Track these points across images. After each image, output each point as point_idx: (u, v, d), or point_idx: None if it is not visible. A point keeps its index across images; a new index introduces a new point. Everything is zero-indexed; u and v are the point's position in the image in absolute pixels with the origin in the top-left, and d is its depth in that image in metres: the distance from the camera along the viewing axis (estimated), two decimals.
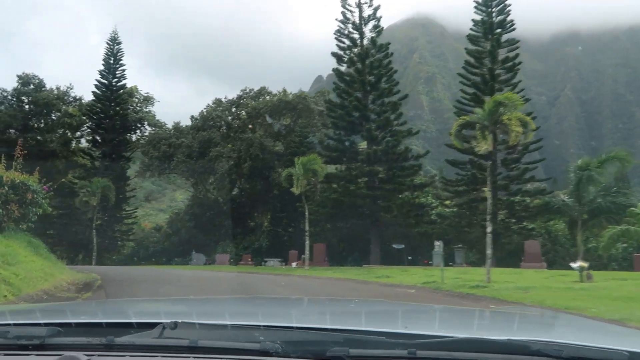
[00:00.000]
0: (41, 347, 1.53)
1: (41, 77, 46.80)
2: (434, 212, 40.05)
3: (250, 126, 46.42)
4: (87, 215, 43.95)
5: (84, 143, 51.10)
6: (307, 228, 29.81)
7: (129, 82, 51.36)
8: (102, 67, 49.29)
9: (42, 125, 47.29)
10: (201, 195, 49.91)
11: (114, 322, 1.80)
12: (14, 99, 45.42)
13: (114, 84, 49.79)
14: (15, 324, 1.70)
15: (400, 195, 37.65)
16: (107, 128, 49.00)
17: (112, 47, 49.79)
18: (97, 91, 49.14)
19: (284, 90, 47.70)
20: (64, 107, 46.65)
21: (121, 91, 50.36)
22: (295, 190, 28.98)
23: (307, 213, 29.88)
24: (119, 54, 50.03)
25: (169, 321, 1.57)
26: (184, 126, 48.96)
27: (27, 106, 46.34)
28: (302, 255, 32.56)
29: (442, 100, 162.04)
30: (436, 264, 23.86)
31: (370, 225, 37.19)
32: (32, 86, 46.15)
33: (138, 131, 52.59)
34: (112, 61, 49.53)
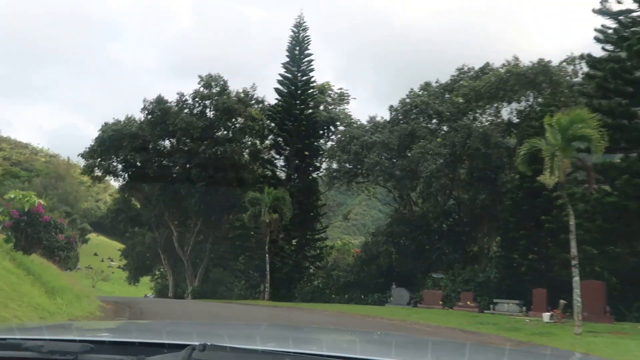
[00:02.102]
0: None
1: (225, 79, 41.61)
2: None
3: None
4: (262, 236, 36.31)
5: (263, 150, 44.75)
6: (574, 251, 16.01)
7: (317, 78, 43.57)
8: (286, 59, 42.24)
9: (226, 133, 41.78)
10: (405, 210, 38.86)
11: (146, 341, 1.85)
12: (198, 104, 40.74)
13: (299, 78, 42.30)
14: (50, 339, 1.74)
15: None
16: (292, 131, 41.53)
17: (296, 34, 42.50)
18: (281, 87, 42.13)
19: (516, 59, 34.34)
20: (246, 110, 40.41)
21: (309, 87, 42.62)
22: (547, 178, 15.82)
23: (572, 222, 16.16)
24: (305, 42, 42.53)
25: (198, 343, 1.59)
26: (381, 120, 38.75)
27: (210, 112, 41.33)
28: (561, 301, 18.95)
29: None
30: None
31: None
32: (216, 89, 41.05)
33: (329, 134, 44.11)
34: (296, 51, 42.13)
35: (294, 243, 42.62)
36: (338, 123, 43.48)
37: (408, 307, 28.75)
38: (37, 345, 1.62)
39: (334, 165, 38.56)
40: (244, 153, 43.92)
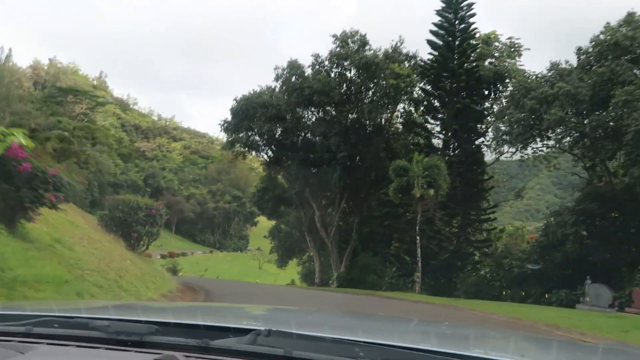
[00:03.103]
0: (140, 344, 1.60)
1: (363, 33, 36.00)
2: None
3: None
4: (413, 214, 30.32)
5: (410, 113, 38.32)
6: None
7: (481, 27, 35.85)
8: (440, 5, 35.40)
9: (370, 94, 36.34)
10: (601, 182, 30.03)
11: (211, 325, 1.84)
12: (336, 65, 35.78)
13: (457, 27, 35.26)
14: (116, 319, 1.76)
15: None
16: (449, 90, 34.76)
17: None
18: (435, 39, 35.47)
19: None
20: (393, 67, 34.47)
21: (470, 37, 35.41)
22: None
23: None
24: None
25: (263, 328, 1.60)
26: (566, 66, 30.23)
27: (350, 74, 36.21)
28: None
29: None
30: None
31: None
32: (353, 45, 35.77)
33: (496, 93, 36.38)
34: None
35: (454, 224, 35.96)
36: (507, 80, 35.55)
37: (610, 312, 20.89)
38: (104, 325, 1.65)
39: (503, 127, 30.97)
40: (392, 118, 38.11)
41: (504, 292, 31.84)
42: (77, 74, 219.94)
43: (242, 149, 41.39)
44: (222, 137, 42.91)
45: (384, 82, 34.47)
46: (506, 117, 29.85)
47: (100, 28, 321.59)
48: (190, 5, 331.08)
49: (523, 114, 28.44)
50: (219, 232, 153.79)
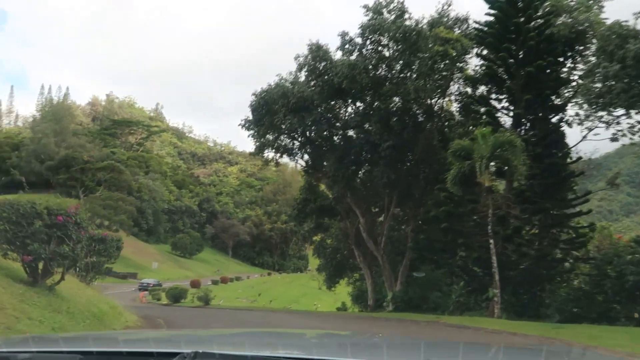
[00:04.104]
0: None
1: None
2: None
3: None
4: (481, 211, 22.97)
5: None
6: None
7: None
8: None
9: (414, 69, 29.40)
10: None
11: (135, 351, 1.84)
12: (369, 41, 29.13)
13: None
14: (38, 352, 1.75)
15: None
16: (515, 55, 27.45)
17: None
18: None
19: None
20: (440, 34, 27.54)
21: None
22: None
23: None
24: None
25: (189, 351, 1.61)
26: None
27: (387, 50, 29.46)
28: None
29: None
30: None
31: None
32: (388, 16, 29.10)
33: (575, 55, 28.69)
34: None
35: (534, 222, 28.27)
36: (589, 35, 27.79)
37: None
38: (25, 358, 1.63)
39: (597, 86, 23.25)
40: (445, 97, 30.97)
41: (611, 310, 23.90)
42: (134, 106, 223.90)
43: (272, 154, 35.45)
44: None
45: (429, 53, 27.52)
46: (599, 74, 22.25)
47: (155, 63, 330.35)
48: (241, 33, 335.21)
49: (624, 65, 20.81)
50: (277, 254, 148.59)
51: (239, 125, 31.32)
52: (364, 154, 28.48)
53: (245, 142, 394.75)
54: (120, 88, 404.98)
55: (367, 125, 28.65)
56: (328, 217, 39.19)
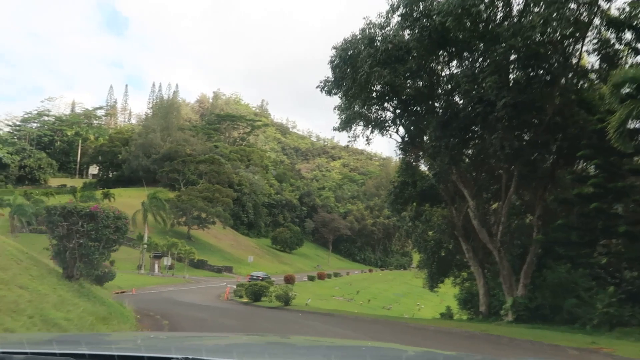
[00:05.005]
0: None
1: None
2: None
3: None
4: None
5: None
6: None
7: None
8: None
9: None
10: None
11: (126, 355, 1.86)
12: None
13: None
14: (31, 353, 1.79)
15: None
16: None
17: None
18: None
19: None
20: None
21: None
22: None
23: None
24: None
25: (180, 357, 1.66)
26: None
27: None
28: None
29: None
30: None
31: None
32: None
33: None
34: None
35: None
36: None
37: None
38: None
39: None
40: (579, 42, 23.03)
41: None
42: (239, 103, 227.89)
43: (360, 128, 29.45)
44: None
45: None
46: None
47: (262, 60, 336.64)
48: (349, 27, 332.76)
49: None
50: (379, 249, 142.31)
51: (316, 87, 25.74)
52: (473, 116, 21.73)
53: (347, 136, 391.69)
54: (228, 86, 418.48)
55: (476, 78, 21.82)
56: (430, 203, 32.71)
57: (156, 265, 59.12)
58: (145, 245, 60.25)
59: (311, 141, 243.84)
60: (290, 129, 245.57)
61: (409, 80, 23.82)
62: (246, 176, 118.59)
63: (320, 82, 25.79)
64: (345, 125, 28.71)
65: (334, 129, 30.44)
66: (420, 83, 24.23)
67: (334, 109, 28.75)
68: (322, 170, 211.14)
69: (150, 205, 63.05)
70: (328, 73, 26.98)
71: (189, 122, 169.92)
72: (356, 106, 27.32)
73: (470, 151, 24.19)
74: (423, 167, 33.13)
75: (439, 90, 25.92)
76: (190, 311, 22.09)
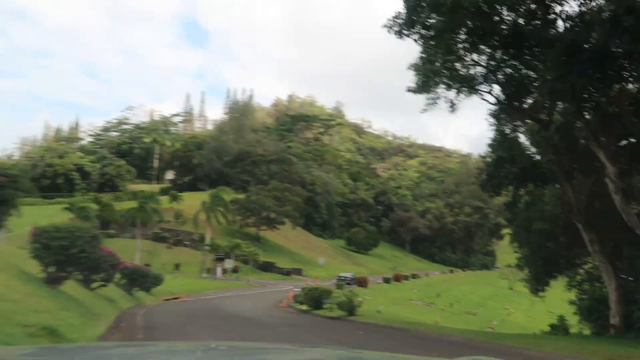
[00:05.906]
0: None
1: None
2: None
3: None
4: None
5: None
6: None
7: None
8: None
9: None
10: None
11: None
12: None
13: None
14: None
15: None
16: None
17: None
18: None
19: None
20: None
21: None
22: None
23: None
24: None
25: None
26: None
27: None
28: None
29: None
30: None
31: None
32: None
33: None
34: None
35: None
36: None
37: None
38: None
39: None
40: None
41: None
42: (314, 105, 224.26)
43: (442, 89, 22.75)
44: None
45: None
46: None
47: (337, 62, 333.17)
48: None
49: None
50: (460, 249, 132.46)
51: (384, 26, 19.43)
52: (611, 42, 14.62)
53: (426, 136, 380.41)
54: (303, 89, 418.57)
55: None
56: (535, 182, 25.47)
57: (218, 269, 54.76)
58: (208, 247, 56.11)
59: (387, 140, 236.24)
60: (365, 129, 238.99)
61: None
62: (319, 175, 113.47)
63: (389, 20, 19.40)
64: (424, 87, 22.25)
65: (408, 90, 23.35)
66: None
67: (409, 67, 22.46)
68: (398, 169, 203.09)
69: (213, 205, 58.93)
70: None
71: (263, 125, 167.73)
72: (438, 60, 20.98)
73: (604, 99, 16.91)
74: (523, 139, 26.01)
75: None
76: (218, 328, 16.49)
